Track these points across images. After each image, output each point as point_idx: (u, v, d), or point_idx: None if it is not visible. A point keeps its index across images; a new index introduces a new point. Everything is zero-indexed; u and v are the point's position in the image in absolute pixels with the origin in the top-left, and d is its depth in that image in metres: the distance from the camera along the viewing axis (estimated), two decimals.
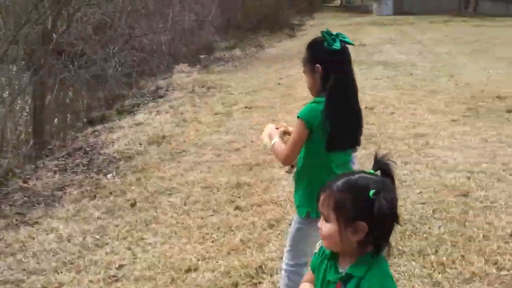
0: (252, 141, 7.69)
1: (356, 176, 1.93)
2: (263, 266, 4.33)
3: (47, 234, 5.17)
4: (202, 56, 16.44)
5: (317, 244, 3.27)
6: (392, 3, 25.91)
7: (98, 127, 9.10)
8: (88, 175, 6.79)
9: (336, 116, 3.02)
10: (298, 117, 3.05)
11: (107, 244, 4.96)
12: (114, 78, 11.27)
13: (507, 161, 6.48)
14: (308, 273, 2.20)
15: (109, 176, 6.72)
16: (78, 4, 9.23)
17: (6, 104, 7.18)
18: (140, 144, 7.94)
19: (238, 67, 14.93)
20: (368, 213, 1.82)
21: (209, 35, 17.65)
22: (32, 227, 5.40)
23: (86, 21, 11.09)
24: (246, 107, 9.83)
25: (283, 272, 3.35)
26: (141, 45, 12.59)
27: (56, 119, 10.00)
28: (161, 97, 11.12)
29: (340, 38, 3.06)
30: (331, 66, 3.03)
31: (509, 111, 8.85)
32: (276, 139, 3.24)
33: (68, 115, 10.42)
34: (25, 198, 6.08)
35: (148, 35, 12.73)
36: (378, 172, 1.92)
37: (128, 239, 5.02)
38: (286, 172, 3.55)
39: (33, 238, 5.11)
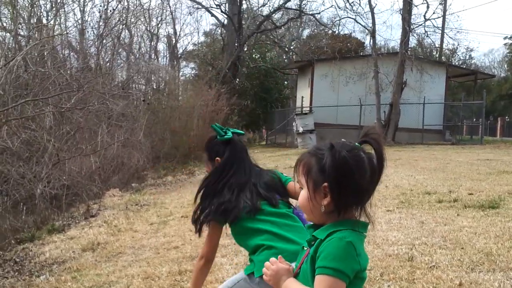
0: (191, 239, 7.51)
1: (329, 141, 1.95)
2: None
3: None
4: (133, 184, 16.33)
5: None
6: (316, 138, 27.07)
7: (28, 244, 8.68)
8: (19, 278, 6.40)
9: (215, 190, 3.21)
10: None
11: None
12: (43, 201, 10.94)
13: (446, 235, 6.60)
14: None
15: (42, 277, 6.35)
16: (5, 118, 9.15)
17: None
18: (73, 252, 7.61)
19: (171, 189, 14.87)
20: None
21: (139, 164, 17.64)
22: None
23: (13, 135, 10.96)
24: (182, 216, 9.68)
25: None
26: (69, 169, 12.42)
27: None
28: (92, 216, 10.82)
29: (232, 130, 3.31)
30: (228, 156, 3.23)
31: (440, 201, 9.12)
32: None
33: None
34: None
35: (77, 157, 12.61)
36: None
37: None
38: None
39: None
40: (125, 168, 16.71)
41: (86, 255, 7.38)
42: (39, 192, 10.86)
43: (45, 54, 13.48)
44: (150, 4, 50.26)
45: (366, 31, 32.50)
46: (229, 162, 3.21)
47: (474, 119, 34.84)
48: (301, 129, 26.66)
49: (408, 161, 17.63)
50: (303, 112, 30.00)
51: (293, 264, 2.03)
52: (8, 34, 17.36)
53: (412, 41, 37.09)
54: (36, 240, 8.95)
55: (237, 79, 35.60)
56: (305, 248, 1.98)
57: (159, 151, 21.68)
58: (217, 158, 3.23)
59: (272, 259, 2.04)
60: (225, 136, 3.21)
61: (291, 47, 46.85)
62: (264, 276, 2.03)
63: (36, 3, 17.90)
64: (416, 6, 30.86)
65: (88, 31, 24.93)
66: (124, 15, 25.96)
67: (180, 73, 45.44)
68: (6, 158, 11.23)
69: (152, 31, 42.38)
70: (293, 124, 28.24)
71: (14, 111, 10.34)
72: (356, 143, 1.91)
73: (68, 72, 13.40)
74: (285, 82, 47.05)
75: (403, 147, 24.73)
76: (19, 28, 16.03)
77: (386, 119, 27.55)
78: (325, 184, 1.84)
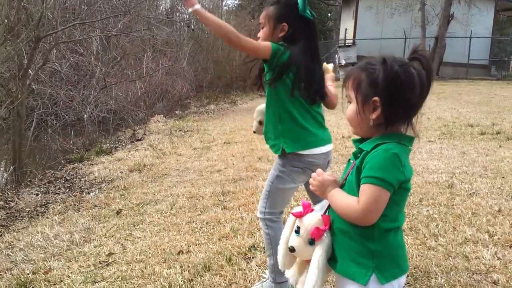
0: (233, 164, 7.71)
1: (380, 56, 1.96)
2: (255, 245, 4.30)
3: (33, 235, 5.06)
4: (177, 112, 16.58)
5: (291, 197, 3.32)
6: None
7: (77, 164, 9.03)
8: (70, 194, 6.71)
9: (302, 67, 3.07)
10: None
11: (94, 240, 4.88)
12: (91, 124, 11.27)
13: (487, 165, 6.62)
14: None
15: (92, 194, 6.65)
16: (55, 40, 9.33)
17: None
18: (121, 172, 7.90)
19: (213, 117, 15.07)
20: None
21: (183, 92, 17.85)
22: (17, 233, 5.29)
23: (62, 58, 11.21)
24: (224, 142, 9.88)
25: (260, 223, 3.34)
26: (116, 94, 12.67)
27: (33, 156, 9.94)
28: (138, 140, 11.12)
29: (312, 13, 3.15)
30: (298, 30, 3.08)
31: (482, 134, 9.07)
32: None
33: (45, 154, 10.35)
34: (8, 215, 5.96)
35: (123, 83, 12.84)
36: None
37: (116, 236, 4.94)
38: (254, 132, 3.58)
39: (19, 240, 5.00)
40: (169, 95, 16.96)
41: (133, 175, 7.65)
42: (87, 115, 11.17)
43: None
44: None
45: None
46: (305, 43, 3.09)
47: None
48: (343, 62, 26.30)
49: (452, 95, 17.38)
50: (346, 44, 29.51)
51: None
52: None
53: None
54: (85, 161, 9.30)
55: None
56: (351, 161, 2.06)
57: (202, 80, 21.82)
58: (285, 23, 3.07)
59: (319, 170, 2.13)
60: (306, 13, 3.06)
61: None
62: (310, 186, 2.13)
63: None
64: None
65: None
66: None
67: (223, 3, 44.86)
68: (55, 81, 11.54)
69: None
70: (336, 56, 27.84)
71: (63, 35, 10.53)
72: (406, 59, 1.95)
73: None
74: (329, 14, 46.04)
75: (447, 81, 24.28)
76: None
77: (431, 52, 26.93)
78: (376, 98, 1.88)
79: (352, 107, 1.98)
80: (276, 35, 3.09)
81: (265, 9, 3.18)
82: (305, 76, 3.05)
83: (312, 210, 2.12)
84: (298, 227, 2.07)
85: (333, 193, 2.03)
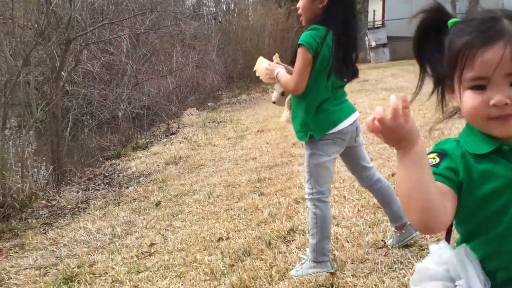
0: (268, 151, 7.73)
1: None
2: (294, 228, 4.32)
3: (76, 231, 5.18)
4: (209, 103, 16.68)
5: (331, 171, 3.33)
6: (389, 52, 26.36)
7: (115, 161, 9.17)
8: (110, 190, 6.84)
9: (341, 45, 3.10)
10: (299, 44, 3.06)
11: (136, 232, 4.97)
12: (125, 121, 11.42)
13: None
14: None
15: (130, 188, 6.77)
16: (85, 42, 9.48)
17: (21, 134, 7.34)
18: (157, 165, 8.01)
19: (245, 107, 15.11)
20: None
21: (214, 83, 17.93)
22: (61, 229, 5.42)
23: (93, 59, 11.38)
24: (258, 131, 9.91)
25: (308, 203, 3.38)
26: (148, 90, 12.81)
27: (72, 155, 10.16)
28: (173, 133, 11.22)
29: None
30: (336, 2, 3.08)
31: None
32: (280, 69, 3.30)
33: (83, 152, 10.57)
34: (51, 212, 6.11)
35: (155, 79, 12.96)
36: None
37: (157, 227, 5.03)
38: (274, 102, 3.55)
39: (63, 236, 5.14)
40: (200, 88, 17.03)
41: (169, 168, 7.75)
42: (122, 113, 11.32)
43: None
44: None
45: None
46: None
47: None
48: (373, 44, 26.05)
49: None
50: (375, 26, 29.19)
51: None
52: None
53: None
54: (122, 157, 9.43)
55: None
56: None
57: (232, 71, 21.84)
58: None
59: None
60: None
61: None
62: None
63: None
64: None
65: None
66: None
67: None
68: (88, 82, 11.72)
69: None
70: (365, 38, 27.55)
71: (93, 36, 10.69)
72: None
73: None
74: None
75: None
76: None
77: None
78: None
79: None
80: (316, 5, 3.11)
81: None
82: (343, 42, 3.09)
83: None
84: None
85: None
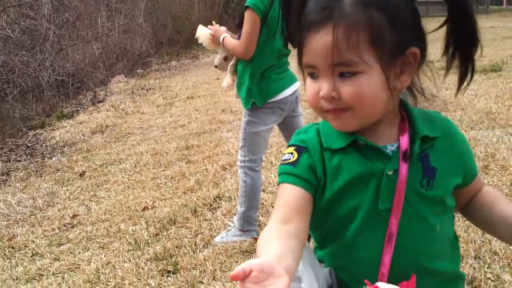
0: (196, 117, 7.63)
1: None
2: (220, 195, 4.28)
3: None
4: (138, 70, 16.31)
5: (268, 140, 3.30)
6: None
7: (39, 131, 8.84)
8: (32, 161, 6.59)
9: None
10: (246, 7, 2.95)
11: (58, 203, 4.82)
12: (49, 89, 11.01)
13: (446, 99, 6.63)
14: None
15: (54, 159, 6.54)
16: (3, 5, 9.01)
17: None
18: (83, 134, 7.77)
19: (175, 73, 14.86)
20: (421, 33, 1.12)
21: (142, 50, 17.53)
22: None
23: (13, 23, 10.86)
24: (187, 97, 9.76)
25: (239, 170, 3.33)
26: (73, 57, 12.37)
27: None
28: (100, 102, 10.91)
29: None
30: None
31: (441, 68, 9.11)
32: (225, 34, 3.21)
33: (4, 122, 10.11)
34: None
35: (79, 45, 12.52)
36: None
37: (80, 197, 4.89)
38: (216, 67, 3.44)
39: None
40: (128, 55, 16.62)
41: (95, 137, 7.54)
42: (45, 80, 10.89)
43: None
44: None
45: None
46: None
47: None
48: None
49: None
50: None
51: None
52: None
53: None
54: (46, 127, 9.11)
55: None
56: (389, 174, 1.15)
57: (161, 36, 21.39)
58: None
59: None
60: None
61: None
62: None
63: None
64: None
65: None
66: None
67: None
68: (8, 48, 11.19)
69: None
70: None
71: None
72: None
73: None
74: None
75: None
76: None
77: None
78: (415, 49, 1.08)
79: (369, 81, 1.04)
80: None
81: None
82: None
83: None
84: None
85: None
